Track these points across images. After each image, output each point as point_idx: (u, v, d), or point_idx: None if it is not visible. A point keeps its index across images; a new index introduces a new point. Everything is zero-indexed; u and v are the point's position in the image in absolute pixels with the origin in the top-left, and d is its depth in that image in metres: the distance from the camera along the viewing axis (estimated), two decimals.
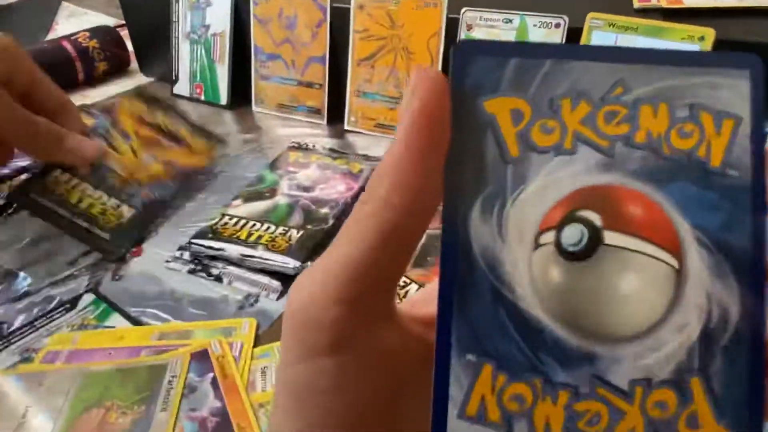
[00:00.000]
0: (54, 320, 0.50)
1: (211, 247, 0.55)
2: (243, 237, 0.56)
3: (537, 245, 0.16)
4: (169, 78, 0.90)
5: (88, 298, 0.52)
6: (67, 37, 0.93)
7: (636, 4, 0.64)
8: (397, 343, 0.18)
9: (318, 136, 0.77)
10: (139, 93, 0.74)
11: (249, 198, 0.62)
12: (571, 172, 0.16)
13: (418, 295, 0.22)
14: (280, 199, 0.62)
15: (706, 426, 0.16)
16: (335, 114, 0.78)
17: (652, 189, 0.16)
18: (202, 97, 0.86)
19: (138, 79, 0.96)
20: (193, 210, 0.63)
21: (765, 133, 0.16)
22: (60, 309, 0.51)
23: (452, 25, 0.68)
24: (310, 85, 0.79)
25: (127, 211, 0.60)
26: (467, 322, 0.16)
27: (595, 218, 0.16)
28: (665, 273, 0.16)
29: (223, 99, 0.84)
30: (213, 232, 0.57)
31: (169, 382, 0.43)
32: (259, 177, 0.66)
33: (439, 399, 0.16)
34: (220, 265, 0.55)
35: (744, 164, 0.16)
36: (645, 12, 0.63)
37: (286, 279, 0.53)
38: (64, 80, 0.90)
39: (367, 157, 0.70)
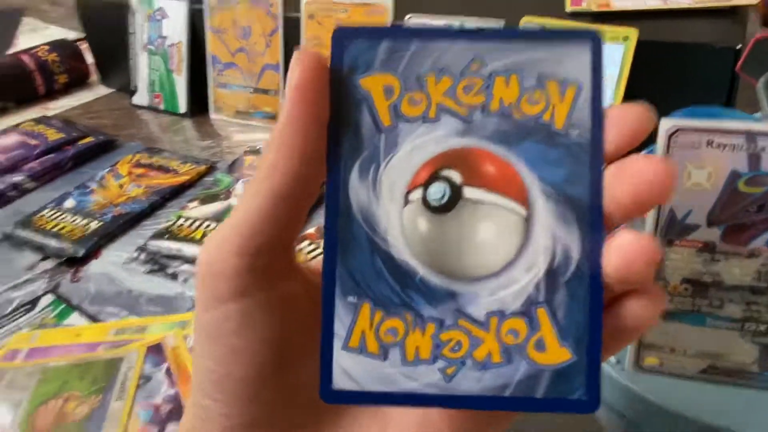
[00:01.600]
0: (14, 321, 0.52)
1: (165, 247, 0.57)
2: (198, 237, 0.58)
3: (406, 201, 0.19)
4: (128, 89, 0.92)
5: (48, 299, 0.54)
6: (27, 51, 0.94)
7: (568, 8, 0.68)
8: (297, 292, 0.20)
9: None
10: (147, 149, 0.77)
11: (205, 200, 0.64)
12: (435, 137, 0.19)
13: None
14: (235, 201, 0.64)
15: (551, 348, 0.18)
16: None
17: (504, 150, 0.19)
18: (162, 107, 0.88)
19: (98, 91, 0.98)
20: (154, 215, 0.65)
21: (602, 97, 0.19)
22: (20, 310, 0.53)
23: None
24: (266, 91, 0.81)
25: (94, 225, 0.62)
26: (348, 269, 0.19)
27: (456, 176, 0.19)
28: (515, 221, 0.18)
29: (182, 108, 0.87)
30: (169, 233, 0.59)
31: (125, 373, 0.45)
32: (215, 180, 0.69)
33: (326, 335, 0.19)
34: (176, 263, 0.57)
35: (584, 125, 0.18)
36: (576, 15, 0.67)
37: None
38: (25, 93, 0.92)
39: None
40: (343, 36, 0.18)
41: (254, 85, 0.82)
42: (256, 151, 0.74)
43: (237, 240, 0.18)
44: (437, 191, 0.19)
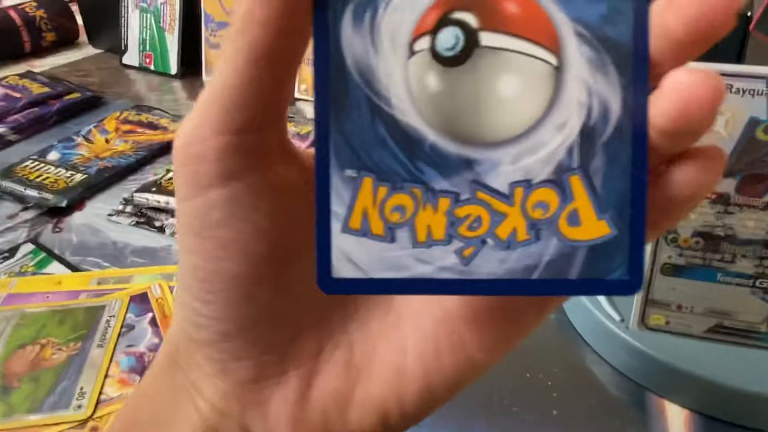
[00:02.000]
0: None
1: (152, 200, 0.55)
2: None
3: (412, 52, 0.15)
4: (118, 50, 0.89)
5: (27, 247, 0.52)
6: (14, 7, 0.91)
7: None
8: (294, 178, 0.17)
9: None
10: (135, 106, 0.74)
11: None
12: None
13: None
14: None
15: (587, 222, 0.15)
16: None
17: None
18: (152, 67, 0.86)
19: (87, 51, 0.95)
20: (141, 170, 0.63)
21: None
22: None
23: None
24: None
25: (79, 177, 0.60)
26: (345, 138, 0.15)
27: (471, 19, 0.15)
28: (543, 71, 0.15)
29: (173, 68, 0.84)
30: (157, 186, 0.57)
31: (107, 321, 0.43)
32: None
33: (321, 216, 0.15)
34: (163, 216, 0.55)
35: None
36: None
37: None
38: (10, 49, 0.89)
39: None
40: None
41: None
42: None
43: (215, 117, 0.15)
44: (448, 38, 0.15)
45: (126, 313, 0.44)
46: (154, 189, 0.57)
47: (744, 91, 0.34)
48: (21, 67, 0.88)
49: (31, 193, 0.57)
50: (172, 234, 0.53)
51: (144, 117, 0.71)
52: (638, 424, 0.38)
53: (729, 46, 0.55)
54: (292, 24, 0.15)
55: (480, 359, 0.18)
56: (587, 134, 0.15)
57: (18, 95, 0.74)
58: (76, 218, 0.56)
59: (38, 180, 0.59)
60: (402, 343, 0.18)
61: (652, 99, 0.15)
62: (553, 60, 0.15)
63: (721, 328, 0.38)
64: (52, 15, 0.93)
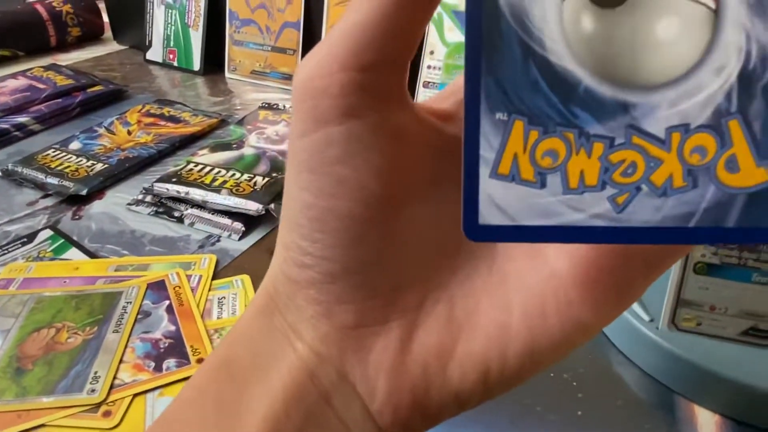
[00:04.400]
0: (9, 252, 0.49)
1: (172, 190, 0.55)
2: (207, 182, 0.56)
3: None
4: (143, 47, 0.89)
5: (46, 233, 0.52)
6: (41, 1, 0.92)
7: None
8: (410, 126, 0.17)
9: (290, 101, 0.77)
10: (157, 100, 0.75)
11: (215, 148, 0.62)
12: None
13: (440, 92, 0.21)
14: (248, 150, 0.62)
15: (746, 168, 0.15)
16: None
17: None
18: (175, 63, 0.86)
19: (111, 47, 0.95)
20: (162, 162, 0.63)
21: None
22: (16, 243, 0.50)
23: None
24: (283, 51, 0.79)
25: (99, 167, 0.60)
26: (496, 80, 0.15)
27: None
28: (702, 14, 0.15)
29: (197, 65, 0.84)
30: (177, 177, 0.57)
31: (124, 307, 0.43)
32: (227, 131, 0.66)
33: (470, 161, 0.15)
34: (182, 207, 0.54)
35: None
36: None
37: (249, 221, 0.52)
38: (36, 43, 0.89)
39: None
40: None
41: (272, 43, 0.79)
42: (270, 107, 0.72)
43: (343, 53, 0.15)
44: None
45: (143, 299, 0.44)
46: (174, 180, 0.56)
47: None
48: (46, 61, 0.89)
49: (52, 180, 0.57)
50: (191, 224, 0.53)
51: (166, 110, 0.71)
52: (667, 428, 0.36)
53: None
54: None
55: (587, 321, 0.17)
56: (746, 78, 0.15)
57: (42, 86, 0.74)
58: (96, 207, 0.56)
59: (59, 168, 0.59)
60: (506, 301, 0.18)
61: None
62: (711, 3, 0.15)
63: (757, 331, 0.37)
64: (78, 10, 0.93)
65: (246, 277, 0.47)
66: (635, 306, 0.40)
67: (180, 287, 0.45)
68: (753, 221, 0.15)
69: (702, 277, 0.37)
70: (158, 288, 0.45)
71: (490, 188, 0.15)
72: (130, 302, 0.43)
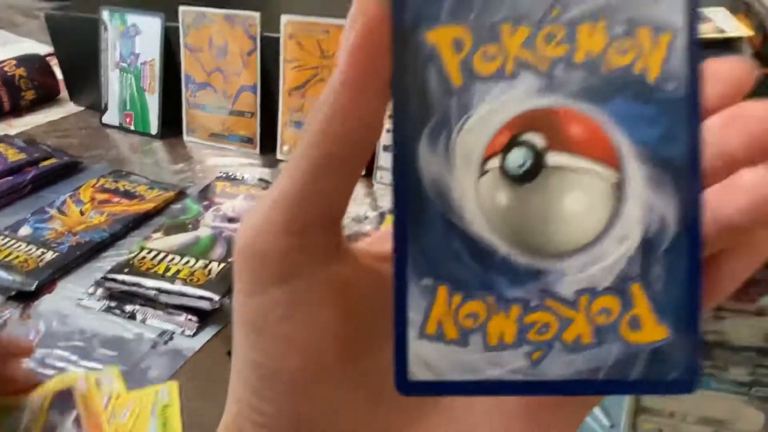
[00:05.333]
0: None
1: (125, 282, 0.53)
2: (160, 271, 0.54)
3: (483, 171, 0.17)
4: (98, 107, 0.88)
5: None
6: None
7: None
8: (349, 275, 0.18)
9: (251, 165, 0.76)
10: (112, 171, 0.73)
11: (170, 230, 0.60)
12: (514, 96, 0.16)
13: (375, 235, 0.22)
14: (203, 232, 0.60)
15: (647, 326, 0.17)
16: (268, 143, 0.77)
17: (591, 108, 0.16)
18: (132, 127, 0.84)
19: (67, 108, 0.93)
20: (115, 245, 0.61)
21: (700, 44, 0.16)
22: None
23: None
24: (241, 114, 0.78)
25: (50, 256, 0.58)
26: (421, 249, 0.17)
27: (538, 140, 0.16)
28: (606, 188, 0.17)
29: (154, 128, 0.83)
30: (129, 266, 0.55)
31: (27, 424, 0.41)
32: (183, 208, 0.65)
33: (399, 323, 0.17)
34: (135, 301, 0.53)
35: (681, 76, 0.16)
36: None
37: (203, 315, 0.51)
38: None
39: None
40: None
41: (230, 107, 0.78)
42: (228, 178, 0.71)
43: (282, 216, 0.17)
44: (517, 158, 0.17)
45: (48, 412, 0.42)
46: (126, 270, 0.55)
47: None
48: (0, 126, 0.87)
49: (1, 275, 0.55)
50: (143, 321, 0.51)
51: (121, 184, 0.70)
52: None
53: None
54: (363, 138, 0.16)
55: None
56: (647, 246, 0.16)
57: None
58: (45, 303, 0.54)
59: (8, 259, 0.57)
60: None
61: (722, 194, 0.16)
62: (614, 178, 0.16)
63: None
64: (32, 74, 0.92)
65: (173, 385, 0.45)
66: (597, 411, 0.39)
67: (88, 394, 0.43)
68: (654, 374, 0.17)
69: None
70: (64, 397, 0.43)
71: (417, 348, 0.17)
72: (34, 418, 0.42)
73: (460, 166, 0.16)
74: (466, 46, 0.16)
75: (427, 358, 0.17)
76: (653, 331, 0.17)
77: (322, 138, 0.16)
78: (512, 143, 0.16)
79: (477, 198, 0.17)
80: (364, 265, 0.19)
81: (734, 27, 0.64)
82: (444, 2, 0.16)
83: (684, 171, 0.16)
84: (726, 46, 0.63)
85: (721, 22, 0.66)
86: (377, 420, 0.19)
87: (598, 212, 0.17)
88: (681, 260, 0.16)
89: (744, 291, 0.33)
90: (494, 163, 0.16)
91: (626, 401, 0.36)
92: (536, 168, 0.16)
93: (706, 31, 0.64)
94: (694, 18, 0.16)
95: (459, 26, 0.16)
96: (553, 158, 0.16)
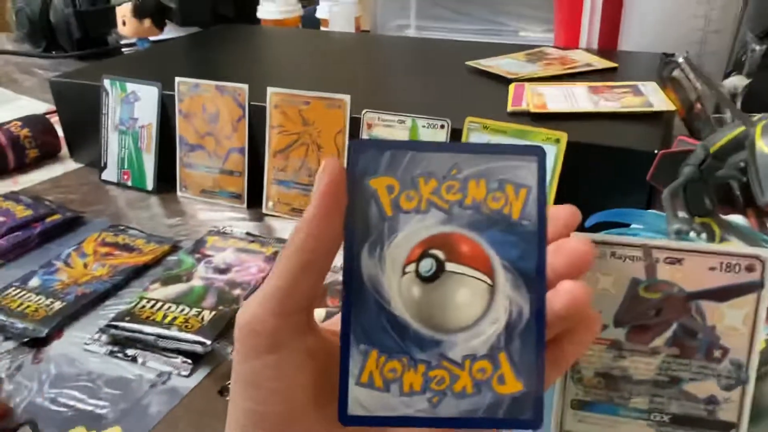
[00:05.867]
0: None
1: (127, 329, 0.60)
2: (158, 319, 0.61)
3: (404, 272, 0.24)
4: (97, 164, 0.95)
5: None
6: (0, 126, 0.97)
7: (509, 108, 0.75)
8: (317, 344, 0.25)
9: (239, 219, 0.83)
10: (112, 226, 0.80)
11: (166, 282, 0.68)
12: (425, 225, 0.24)
13: (332, 319, 0.30)
14: (196, 282, 0.67)
15: (509, 382, 0.24)
16: (255, 199, 0.85)
17: (475, 234, 0.24)
18: (129, 183, 0.92)
19: (68, 165, 1.01)
20: (117, 295, 0.68)
21: (546, 197, 0.25)
22: None
23: (355, 124, 0.77)
24: (231, 173, 0.86)
25: (58, 305, 0.65)
26: (360, 324, 0.24)
27: (441, 254, 0.24)
28: (483, 288, 0.24)
29: (150, 185, 0.90)
30: (131, 315, 0.62)
31: None
32: (178, 261, 0.72)
33: (343, 374, 0.24)
34: (136, 346, 0.59)
35: (533, 217, 0.24)
36: (516, 115, 0.74)
37: (196, 357, 0.58)
38: None
39: (280, 240, 0.77)
40: (357, 147, 0.24)
41: (220, 166, 0.86)
42: (218, 232, 0.78)
43: (273, 304, 0.24)
44: (426, 265, 0.24)
45: None
46: (128, 318, 0.62)
47: (625, 257, 0.40)
48: (4, 184, 0.94)
49: (15, 323, 0.62)
50: (143, 364, 0.58)
51: (120, 238, 0.77)
52: None
53: (639, 187, 0.62)
54: (330, 250, 0.24)
55: None
56: (509, 326, 0.24)
57: (2, 219, 0.79)
58: (55, 347, 0.61)
59: (20, 309, 0.64)
60: None
61: (553, 296, 0.25)
62: (489, 281, 0.25)
63: None
64: (36, 133, 0.99)
65: None
66: None
67: None
68: (514, 414, 0.24)
69: (577, 412, 0.44)
70: None
71: (355, 392, 0.24)
72: None
73: (388, 268, 0.24)
74: (395, 190, 0.24)
75: (361, 400, 0.24)
76: (513, 385, 0.24)
77: (301, 251, 0.24)
78: (423, 255, 0.24)
79: (399, 291, 0.24)
80: (326, 338, 0.26)
81: (660, 101, 0.74)
82: (382, 160, 0.24)
83: (534, 279, 0.24)
84: (653, 117, 0.72)
85: (651, 97, 0.76)
86: None
87: (478, 304, 0.24)
88: (531, 338, 0.24)
89: (639, 335, 0.41)
90: (411, 267, 0.24)
91: (551, 427, 0.43)
92: (438, 272, 0.24)
93: (636, 104, 0.74)
94: (542, 179, 0.25)
95: (391, 177, 0.24)
96: (450, 266, 0.24)
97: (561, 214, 0.26)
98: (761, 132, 0.44)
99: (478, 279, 0.24)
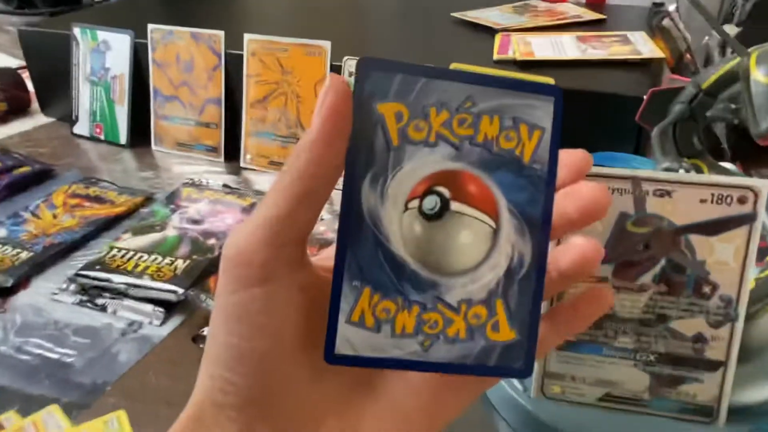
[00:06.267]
0: None
1: (96, 278, 0.58)
2: (129, 268, 0.59)
3: (406, 208, 0.22)
4: (69, 118, 0.92)
5: None
6: None
7: (495, 56, 0.73)
8: (309, 280, 0.24)
9: (215, 173, 0.81)
10: (83, 178, 0.77)
11: (138, 231, 0.65)
12: (433, 159, 0.22)
13: (325, 252, 0.28)
14: (170, 232, 0.65)
15: (503, 330, 0.23)
16: (232, 152, 0.82)
17: (484, 175, 0.23)
18: (102, 137, 0.89)
19: (38, 119, 0.97)
20: (87, 246, 0.66)
21: (559, 141, 0.23)
22: None
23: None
24: (207, 125, 0.83)
25: (25, 255, 0.62)
26: (355, 259, 0.22)
27: (446, 192, 0.22)
28: (487, 231, 0.23)
29: (123, 138, 0.87)
30: (100, 264, 0.60)
31: None
32: (151, 212, 0.69)
33: (332, 310, 0.22)
34: (106, 295, 0.57)
35: (544, 161, 0.23)
36: (502, 63, 0.71)
37: (169, 306, 0.56)
38: None
39: (258, 192, 0.74)
40: (366, 66, 0.22)
41: (196, 118, 0.83)
42: (194, 184, 0.75)
43: (266, 233, 0.22)
44: (430, 202, 0.22)
45: None
46: (98, 267, 0.59)
47: (613, 190, 0.39)
48: None
49: None
50: (114, 312, 0.56)
51: (92, 191, 0.74)
52: None
53: (628, 133, 0.61)
54: (330, 179, 0.22)
55: (437, 420, 0.25)
56: (509, 273, 0.23)
57: None
58: (21, 297, 0.58)
59: None
60: (381, 415, 0.24)
61: (559, 252, 0.24)
62: (493, 224, 0.23)
63: (611, 397, 0.42)
64: (4, 86, 0.95)
65: (122, 414, 0.46)
66: (513, 379, 0.45)
67: None
68: (504, 362, 0.23)
69: (563, 352, 0.42)
70: None
71: (344, 330, 0.22)
72: None
73: (390, 203, 0.22)
74: (404, 118, 0.22)
75: (350, 339, 0.22)
76: (506, 333, 0.23)
77: (301, 176, 0.21)
78: (428, 191, 0.22)
79: (400, 227, 0.22)
80: (318, 273, 0.24)
81: (650, 49, 0.72)
82: (392, 86, 0.22)
83: (539, 226, 0.23)
84: (642, 65, 0.70)
85: (640, 45, 0.74)
86: (319, 395, 0.24)
87: (480, 247, 0.23)
88: (529, 286, 0.23)
89: (626, 272, 0.40)
90: (414, 204, 0.22)
91: (535, 369, 0.42)
92: (442, 211, 0.22)
93: (624, 52, 0.71)
94: (557, 122, 0.23)
95: (400, 103, 0.22)
96: (455, 206, 0.23)
97: (572, 158, 0.24)
98: (756, 61, 0.42)
99: (483, 221, 0.23)
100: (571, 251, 0.23)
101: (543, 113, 0.23)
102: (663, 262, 0.39)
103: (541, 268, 0.23)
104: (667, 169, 0.47)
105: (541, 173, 0.23)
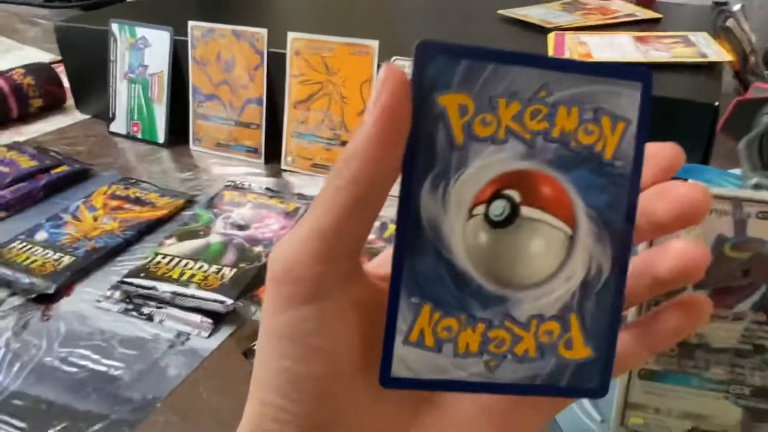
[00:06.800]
0: None
1: (141, 286, 0.56)
2: (175, 276, 0.57)
3: (470, 215, 0.20)
4: (105, 116, 0.90)
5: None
6: (2, 74, 0.92)
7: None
8: (365, 294, 0.21)
9: (255, 175, 0.79)
10: (122, 179, 0.75)
11: (182, 237, 0.63)
12: (501, 158, 0.20)
13: (379, 258, 0.26)
14: (214, 238, 0.63)
15: (577, 347, 0.21)
16: (272, 154, 0.80)
17: (559, 175, 0.20)
18: (140, 135, 0.87)
19: (74, 116, 0.96)
20: (129, 250, 0.64)
21: (647, 134, 0.20)
22: None
23: None
24: (247, 125, 0.81)
25: (67, 260, 0.60)
26: (413, 273, 0.20)
27: (516, 196, 0.20)
28: (562, 239, 0.20)
29: (161, 137, 0.85)
30: (145, 271, 0.58)
31: None
32: (194, 216, 0.67)
33: (389, 330, 0.20)
34: (151, 304, 0.55)
35: (628, 158, 0.20)
36: None
37: (217, 317, 0.54)
38: None
39: (302, 196, 0.72)
40: (426, 51, 0.19)
41: (236, 118, 0.81)
42: (236, 187, 0.73)
43: (317, 246, 0.19)
44: (498, 208, 0.20)
45: None
46: (142, 274, 0.57)
47: (711, 211, 0.36)
48: (7, 134, 0.89)
49: (20, 277, 0.58)
50: (161, 322, 0.54)
51: (132, 192, 0.72)
52: None
53: (697, 140, 0.57)
54: (387, 184, 0.19)
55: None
56: (585, 285, 0.21)
57: (6, 170, 0.74)
58: (64, 305, 0.56)
59: (26, 263, 0.60)
60: None
61: (656, 255, 0.21)
62: (569, 231, 0.20)
63: (699, 431, 0.40)
64: (40, 82, 0.94)
65: None
66: (589, 407, 0.42)
67: None
68: (578, 382, 0.21)
69: (646, 382, 0.39)
70: None
71: (401, 351, 0.20)
72: None
73: (453, 209, 0.20)
74: (469, 111, 0.19)
75: (408, 361, 0.20)
76: (580, 351, 0.21)
77: (351, 184, 0.19)
78: (495, 196, 0.20)
79: (463, 237, 0.20)
80: (373, 284, 0.22)
81: (715, 51, 0.68)
82: (456, 72, 0.19)
83: (620, 232, 0.20)
84: (707, 69, 0.67)
85: (704, 47, 0.70)
86: (381, 417, 0.22)
87: (553, 257, 0.20)
88: (608, 300, 0.21)
89: (722, 298, 0.37)
90: (480, 210, 0.20)
91: (615, 398, 0.39)
92: (512, 218, 0.20)
93: (688, 55, 0.68)
94: (645, 113, 0.20)
95: (465, 95, 0.19)
96: (525, 211, 0.20)
97: (661, 153, 0.22)
98: None
99: (557, 228, 0.20)
100: (671, 254, 0.20)
101: (628, 102, 0.20)
102: (763, 288, 0.36)
103: (622, 280, 0.21)
104: (756, 186, 0.44)
105: (624, 172, 0.20)
